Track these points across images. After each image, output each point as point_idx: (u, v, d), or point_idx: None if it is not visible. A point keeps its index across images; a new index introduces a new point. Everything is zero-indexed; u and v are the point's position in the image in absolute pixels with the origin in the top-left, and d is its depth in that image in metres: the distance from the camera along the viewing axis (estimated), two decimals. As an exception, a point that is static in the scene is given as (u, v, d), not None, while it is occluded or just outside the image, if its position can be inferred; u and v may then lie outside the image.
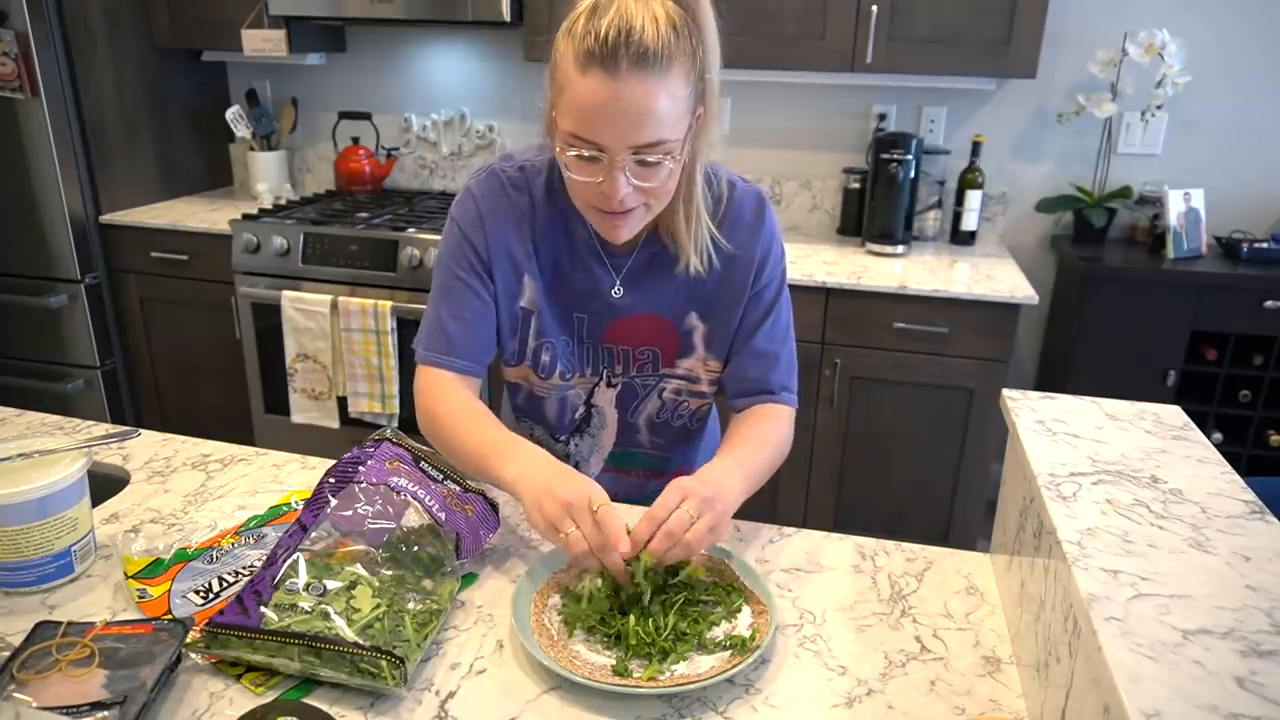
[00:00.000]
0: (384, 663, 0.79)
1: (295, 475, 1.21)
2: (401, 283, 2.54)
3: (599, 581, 0.93)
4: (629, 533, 0.92)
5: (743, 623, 0.90)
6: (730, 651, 0.86)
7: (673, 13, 0.94)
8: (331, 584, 0.86)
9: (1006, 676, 0.86)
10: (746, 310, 1.16)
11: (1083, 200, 2.66)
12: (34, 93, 2.57)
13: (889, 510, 2.51)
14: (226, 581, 0.95)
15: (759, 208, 1.14)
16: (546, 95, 1.01)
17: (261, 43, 2.74)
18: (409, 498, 0.97)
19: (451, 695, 0.82)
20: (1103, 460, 0.89)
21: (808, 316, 2.36)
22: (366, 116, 3.11)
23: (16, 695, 0.75)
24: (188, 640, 0.83)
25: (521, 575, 0.96)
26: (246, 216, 2.69)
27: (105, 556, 1.01)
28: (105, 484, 1.17)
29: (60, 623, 0.83)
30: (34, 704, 0.74)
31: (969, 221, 2.69)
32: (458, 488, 1.04)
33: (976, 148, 2.64)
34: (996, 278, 2.35)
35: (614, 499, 1.19)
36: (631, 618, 0.88)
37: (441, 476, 1.04)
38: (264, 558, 0.96)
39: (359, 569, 0.89)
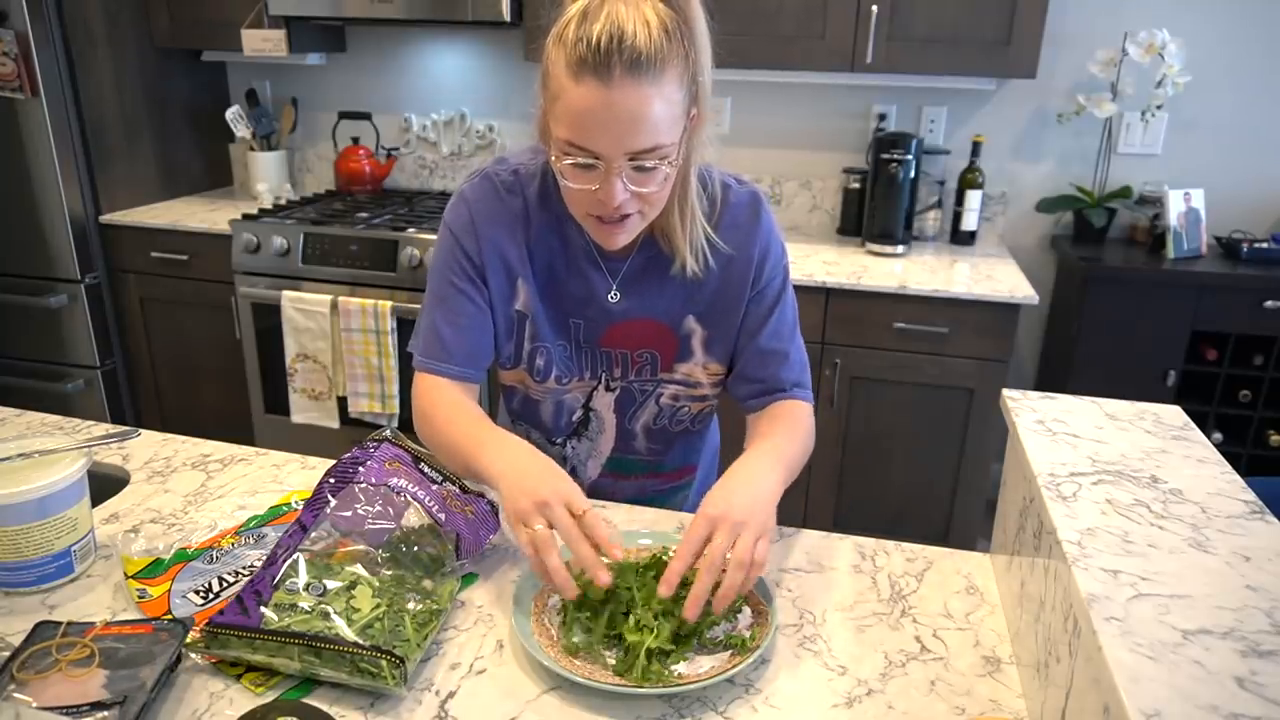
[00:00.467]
0: (384, 663, 0.79)
1: (295, 475, 1.21)
2: (401, 283, 2.54)
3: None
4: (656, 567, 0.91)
5: (743, 623, 0.90)
6: (730, 651, 0.86)
7: (664, 15, 0.93)
8: (331, 584, 0.86)
9: (1006, 676, 0.86)
10: (749, 311, 1.16)
11: (1083, 200, 2.66)
12: (34, 93, 2.57)
13: (889, 510, 2.51)
14: (226, 581, 0.95)
15: (755, 208, 1.14)
16: (539, 102, 1.00)
17: (261, 43, 2.74)
18: (409, 498, 0.97)
19: (451, 695, 0.82)
20: (1103, 460, 0.89)
21: (808, 316, 2.35)
22: (366, 116, 3.11)
23: (16, 695, 0.75)
24: (188, 640, 0.83)
25: (521, 575, 0.96)
26: (246, 216, 2.69)
27: (105, 556, 1.01)
28: (105, 484, 1.17)
29: (60, 623, 0.83)
30: (34, 704, 0.74)
31: (969, 221, 2.69)
32: (457, 489, 1.04)
33: (976, 148, 2.64)
34: (996, 278, 2.35)
35: (611, 500, 1.19)
36: (631, 618, 0.88)
37: (441, 478, 1.04)
38: (264, 558, 0.96)
39: (359, 569, 0.89)
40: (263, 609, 0.83)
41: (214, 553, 0.99)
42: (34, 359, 2.92)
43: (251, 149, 3.09)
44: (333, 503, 0.95)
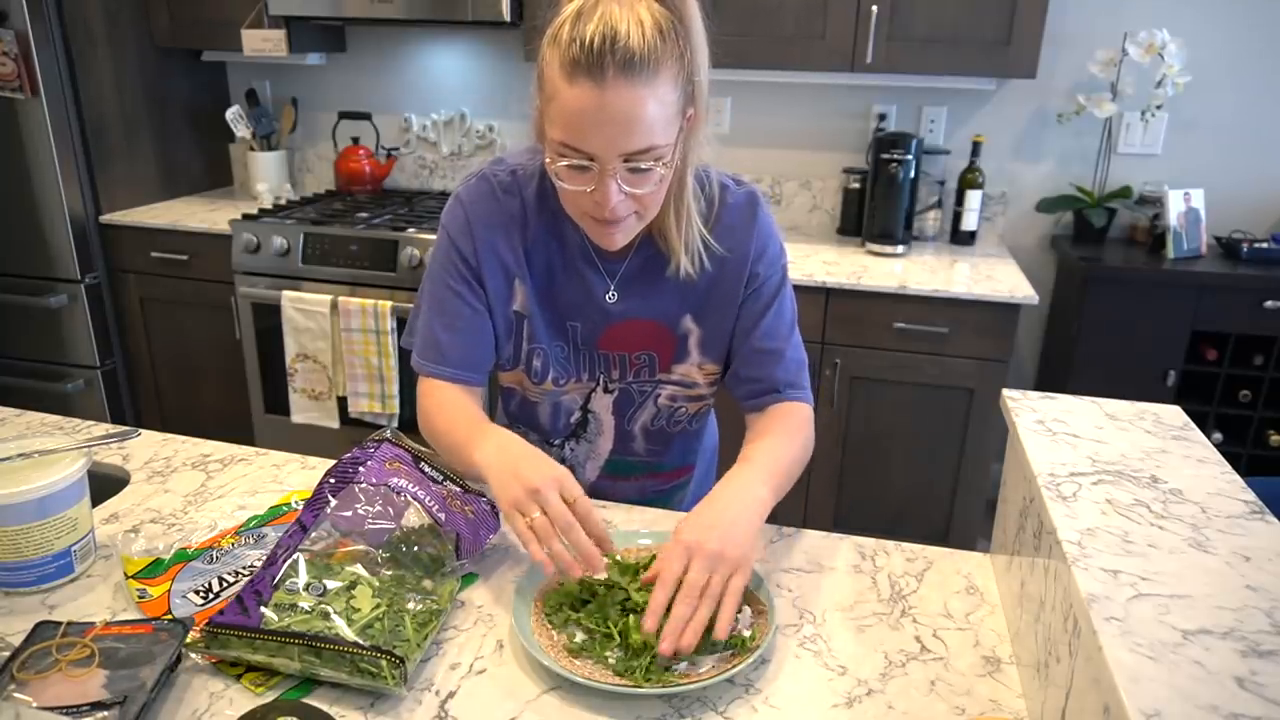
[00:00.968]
0: (384, 662, 0.79)
1: (295, 475, 1.21)
2: (401, 283, 2.54)
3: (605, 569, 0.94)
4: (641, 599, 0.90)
5: (743, 623, 0.90)
6: (730, 651, 0.86)
7: (658, 15, 0.92)
8: (331, 584, 0.86)
9: (1006, 676, 0.86)
10: (744, 310, 1.15)
11: (1083, 200, 2.66)
12: (34, 93, 2.57)
13: (889, 510, 2.51)
14: (226, 581, 0.95)
15: (751, 207, 1.13)
16: (535, 102, 1.00)
17: (261, 43, 2.74)
18: (409, 498, 0.97)
19: (451, 695, 0.82)
20: (1103, 460, 0.89)
21: (808, 316, 2.36)
22: (366, 116, 3.11)
23: (16, 695, 0.75)
24: (188, 640, 0.83)
25: (521, 575, 0.96)
26: (246, 216, 2.69)
27: (105, 556, 1.01)
28: (105, 484, 1.17)
29: (60, 623, 0.83)
30: (34, 704, 0.74)
31: (969, 221, 2.69)
32: (458, 489, 1.04)
33: (976, 148, 2.64)
34: (996, 278, 2.35)
35: (610, 500, 1.19)
36: (631, 618, 0.88)
37: (442, 477, 1.04)
38: (264, 558, 0.96)
39: (359, 569, 0.89)
40: (263, 609, 0.83)
41: (214, 553, 0.99)
42: (34, 359, 2.92)
43: (251, 149, 3.09)
44: (333, 503, 0.95)
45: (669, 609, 0.85)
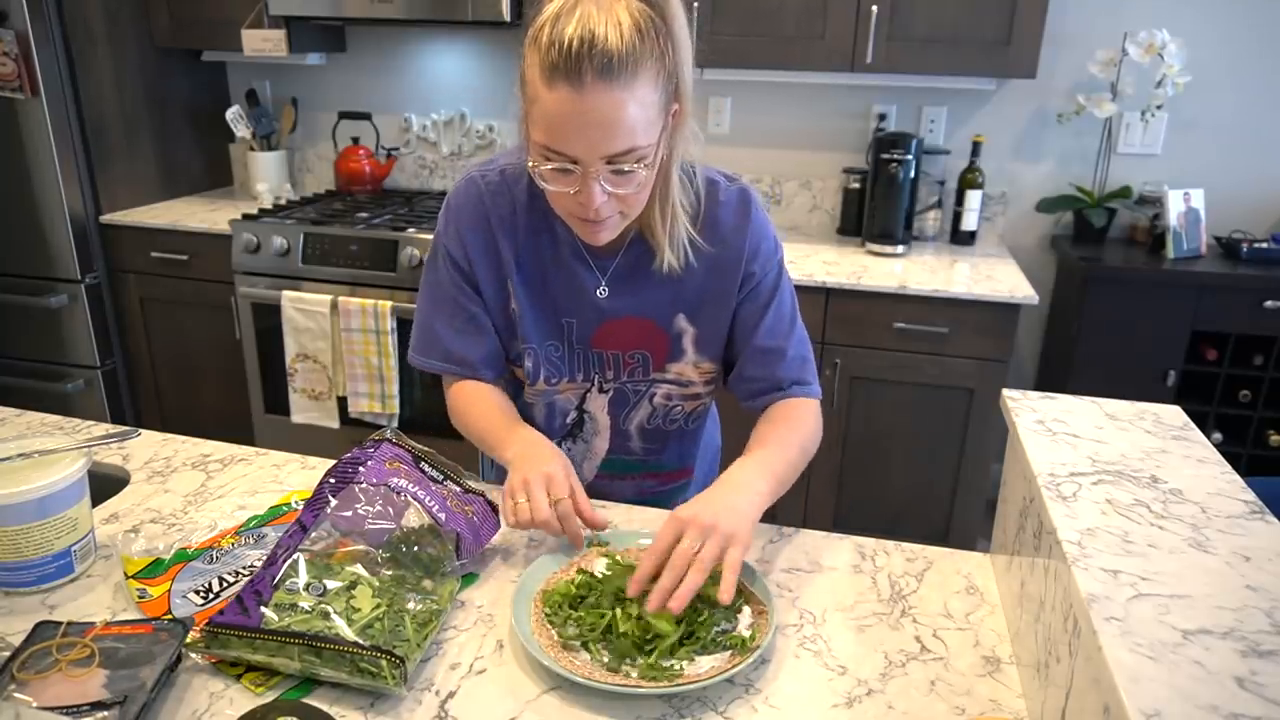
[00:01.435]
0: (384, 662, 0.79)
1: (295, 475, 1.21)
2: (401, 283, 2.54)
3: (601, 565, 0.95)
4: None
5: (743, 623, 0.90)
6: (730, 651, 0.86)
7: (637, 14, 0.91)
8: (331, 584, 0.86)
9: (1006, 676, 0.86)
10: (743, 309, 1.15)
11: (1083, 200, 2.66)
12: (34, 93, 2.57)
13: (889, 510, 2.51)
14: (226, 581, 0.95)
15: (743, 205, 1.12)
16: (520, 105, 1.00)
17: (261, 43, 2.74)
18: (409, 498, 0.97)
19: (451, 695, 0.82)
20: (1103, 460, 0.89)
21: (808, 316, 2.32)
22: (366, 116, 3.11)
23: (17, 695, 0.75)
24: (188, 640, 0.83)
25: (521, 575, 0.96)
26: (246, 216, 2.69)
27: (105, 556, 1.01)
28: (105, 484, 1.17)
29: (60, 623, 0.83)
30: (34, 704, 0.74)
31: (969, 221, 2.69)
32: (458, 489, 1.04)
33: (976, 148, 2.64)
34: (996, 278, 2.35)
35: (609, 500, 1.18)
36: (617, 611, 0.88)
37: (442, 477, 1.04)
38: (264, 558, 0.96)
39: (359, 569, 0.89)
40: (263, 609, 0.83)
41: (214, 553, 0.99)
42: (34, 359, 2.92)
43: (251, 149, 3.09)
44: (333, 503, 0.95)
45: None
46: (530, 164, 0.99)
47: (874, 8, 2.36)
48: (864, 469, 2.49)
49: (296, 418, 2.70)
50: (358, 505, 0.95)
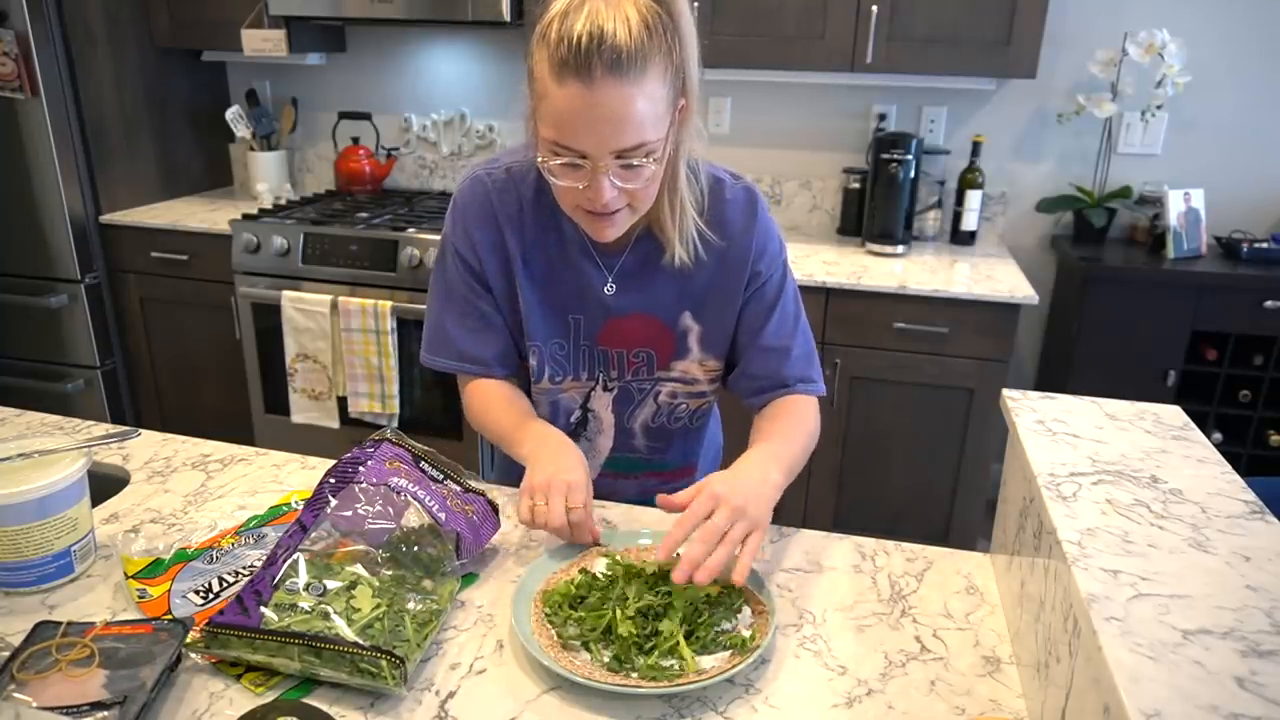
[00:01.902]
0: (384, 662, 0.79)
1: (295, 475, 1.21)
2: (401, 283, 2.54)
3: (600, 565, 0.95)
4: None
5: (743, 623, 0.90)
6: (730, 651, 0.86)
7: (644, 10, 0.92)
8: (331, 584, 0.86)
9: (1006, 676, 0.86)
10: (748, 309, 1.16)
11: (1083, 200, 2.66)
12: (34, 93, 2.57)
13: (889, 510, 2.51)
14: (226, 581, 0.95)
15: (750, 205, 1.13)
16: (528, 101, 1.01)
17: (261, 43, 2.74)
18: (409, 498, 0.97)
19: (451, 695, 0.82)
20: (1103, 460, 0.89)
21: (808, 316, 2.34)
22: (366, 116, 3.11)
23: (16, 695, 0.75)
24: (188, 640, 0.83)
25: (521, 575, 0.96)
26: (246, 216, 2.69)
27: (105, 556, 1.01)
28: (105, 484, 1.17)
29: (60, 623, 0.83)
30: (34, 704, 0.74)
31: (969, 221, 2.69)
32: (458, 488, 1.04)
33: (976, 148, 2.64)
34: (996, 278, 2.35)
35: (612, 499, 1.19)
36: (617, 611, 0.88)
37: (442, 476, 1.04)
38: (264, 558, 0.96)
39: (359, 569, 0.89)
40: (263, 609, 0.83)
41: (214, 553, 0.99)
42: (34, 359, 2.92)
43: (251, 149, 3.09)
44: (333, 503, 0.95)
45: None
46: (539, 159, 0.99)
47: (874, 8, 2.36)
48: (864, 469, 2.49)
49: (296, 418, 2.70)
50: (358, 505, 0.95)
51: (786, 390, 1.17)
